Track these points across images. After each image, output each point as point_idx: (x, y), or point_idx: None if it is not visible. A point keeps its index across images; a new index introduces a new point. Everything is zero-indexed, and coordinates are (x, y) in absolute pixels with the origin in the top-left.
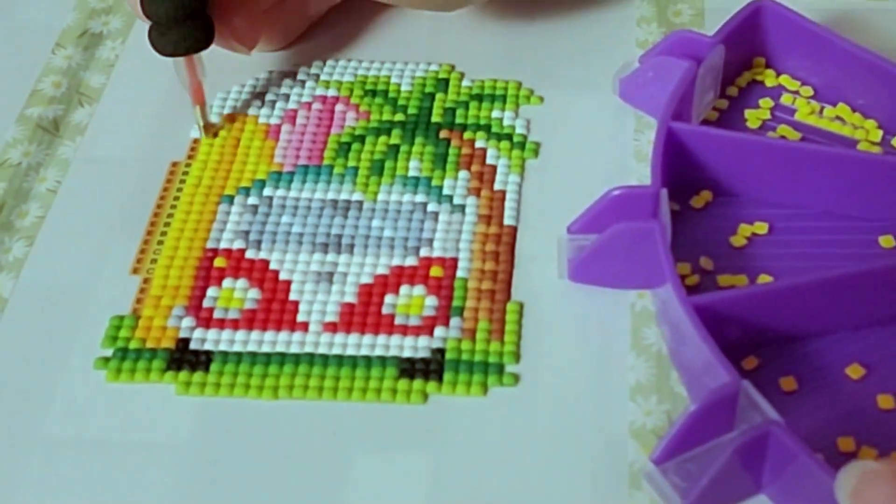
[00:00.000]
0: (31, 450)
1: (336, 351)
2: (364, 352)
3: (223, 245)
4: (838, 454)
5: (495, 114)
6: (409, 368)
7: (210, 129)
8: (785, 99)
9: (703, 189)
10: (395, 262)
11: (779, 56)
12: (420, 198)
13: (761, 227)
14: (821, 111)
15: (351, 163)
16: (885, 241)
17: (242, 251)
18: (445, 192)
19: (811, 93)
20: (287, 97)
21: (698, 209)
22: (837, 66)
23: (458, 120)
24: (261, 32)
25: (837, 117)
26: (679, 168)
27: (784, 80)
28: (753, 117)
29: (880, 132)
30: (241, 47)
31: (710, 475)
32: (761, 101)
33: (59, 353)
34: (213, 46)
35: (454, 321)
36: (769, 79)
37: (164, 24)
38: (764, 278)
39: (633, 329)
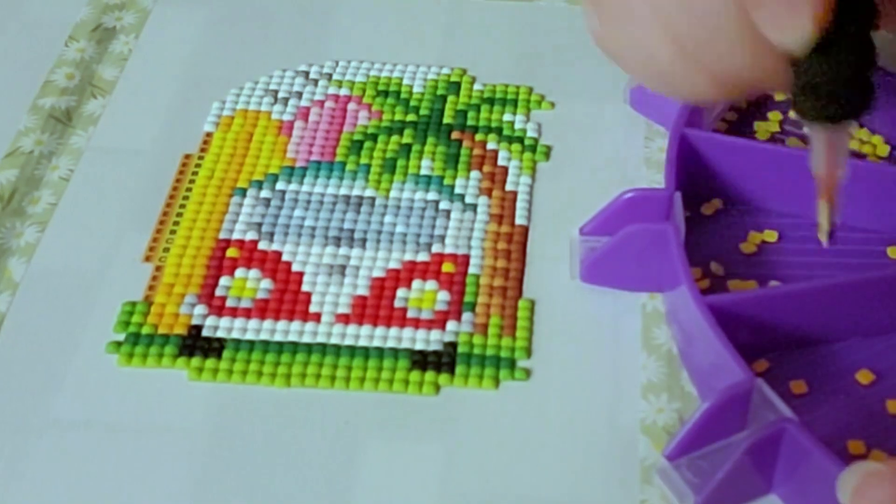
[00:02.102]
0: (43, 432)
1: (348, 341)
2: (377, 343)
3: (236, 236)
4: (849, 457)
5: (507, 117)
6: (422, 360)
7: (825, 233)
8: (793, 112)
9: (714, 197)
10: (408, 257)
11: None
12: (432, 196)
13: (771, 235)
14: None
15: (363, 160)
16: (893, 251)
17: (255, 242)
18: (457, 191)
19: None
20: (300, 95)
21: (709, 216)
22: None
23: (470, 122)
24: None
25: None
26: (690, 175)
27: None
28: (762, 129)
29: (887, 147)
30: None
31: (723, 472)
32: (770, 114)
33: (70, 336)
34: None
35: (466, 316)
36: (778, 93)
37: (818, 85)
38: (773, 285)
39: (643, 329)
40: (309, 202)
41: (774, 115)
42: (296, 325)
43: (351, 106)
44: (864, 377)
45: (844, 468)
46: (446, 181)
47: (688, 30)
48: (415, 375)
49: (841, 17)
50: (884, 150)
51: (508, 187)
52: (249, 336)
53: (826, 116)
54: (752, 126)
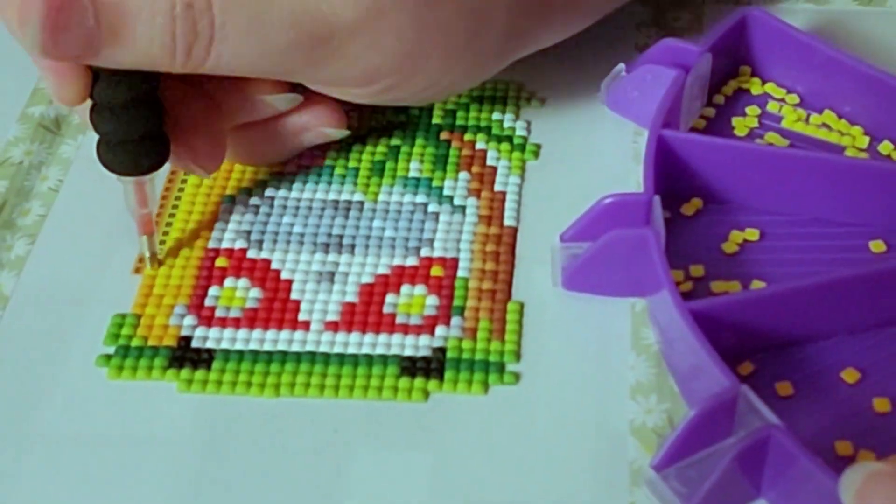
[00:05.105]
0: (33, 446)
1: (337, 349)
2: (365, 350)
3: (225, 245)
4: (836, 458)
5: (496, 116)
6: (410, 367)
7: (155, 261)
8: (771, 107)
9: (694, 196)
10: (396, 261)
11: (764, 64)
12: (420, 198)
13: (752, 234)
14: (807, 118)
15: (351, 163)
16: (876, 245)
17: (244, 251)
18: (446, 192)
19: (797, 100)
20: None
21: (689, 216)
22: (822, 73)
23: (459, 121)
24: (222, 154)
25: (824, 124)
26: (670, 176)
27: (770, 87)
28: (741, 125)
29: (867, 138)
30: (200, 170)
31: (711, 480)
32: (748, 109)
33: (60, 350)
34: None
35: (455, 320)
36: (755, 87)
37: (115, 142)
38: (757, 284)
39: (633, 328)
40: (297, 208)
41: (752, 111)
42: (285, 333)
43: None
44: (849, 376)
45: (831, 472)
46: (435, 183)
47: None
48: (404, 382)
49: (125, 82)
50: (863, 141)
51: (497, 188)
52: (238, 346)
53: (128, 171)
54: (729, 122)
